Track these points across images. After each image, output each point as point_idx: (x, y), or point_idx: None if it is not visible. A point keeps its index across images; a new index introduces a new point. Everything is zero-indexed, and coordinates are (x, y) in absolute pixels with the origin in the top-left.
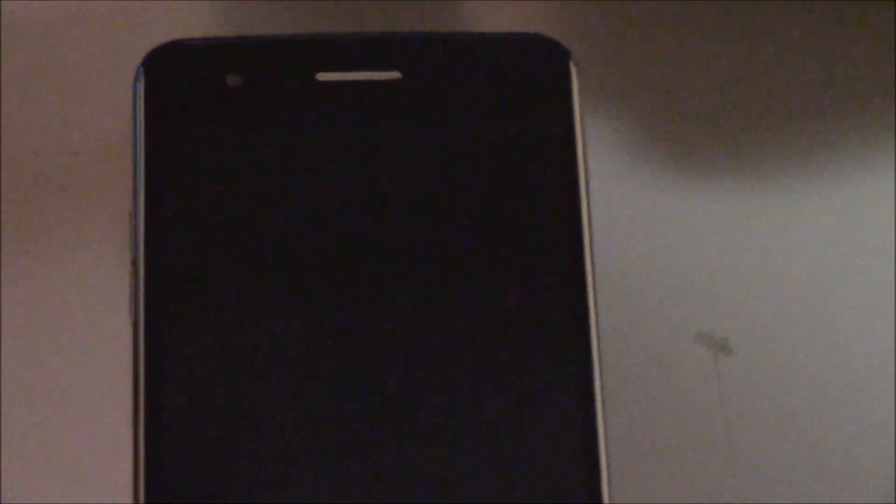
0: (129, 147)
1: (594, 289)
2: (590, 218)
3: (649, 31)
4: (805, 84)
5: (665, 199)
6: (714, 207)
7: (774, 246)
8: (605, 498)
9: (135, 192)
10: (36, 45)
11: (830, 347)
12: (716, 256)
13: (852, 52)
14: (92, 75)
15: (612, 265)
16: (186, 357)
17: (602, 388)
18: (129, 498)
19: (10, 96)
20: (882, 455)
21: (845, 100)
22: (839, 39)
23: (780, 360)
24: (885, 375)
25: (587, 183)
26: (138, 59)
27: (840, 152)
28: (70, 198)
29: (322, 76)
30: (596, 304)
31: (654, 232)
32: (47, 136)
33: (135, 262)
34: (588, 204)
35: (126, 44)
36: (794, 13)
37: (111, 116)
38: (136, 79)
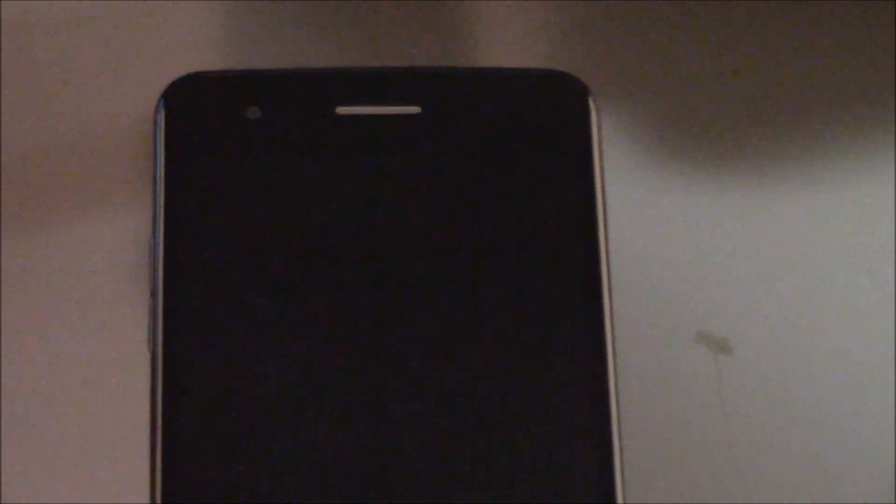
0: (140, 146)
1: (612, 322)
2: (608, 251)
3: (650, 33)
4: (805, 84)
5: (665, 199)
6: (714, 208)
7: (775, 246)
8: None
9: (154, 223)
10: (40, 46)
11: (830, 347)
12: (716, 256)
13: (852, 52)
14: (97, 75)
15: (612, 266)
16: (203, 385)
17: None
18: (128, 498)
19: (11, 97)
20: (882, 455)
21: (845, 100)
22: (839, 39)
23: (780, 360)
24: (885, 375)
25: (605, 217)
26: (147, 58)
27: (840, 152)
28: (76, 199)
29: (342, 110)
30: (613, 334)
31: (654, 232)
32: (51, 136)
33: (153, 293)
34: (606, 237)
35: (134, 44)
36: (795, 13)
37: (114, 117)
38: (157, 110)
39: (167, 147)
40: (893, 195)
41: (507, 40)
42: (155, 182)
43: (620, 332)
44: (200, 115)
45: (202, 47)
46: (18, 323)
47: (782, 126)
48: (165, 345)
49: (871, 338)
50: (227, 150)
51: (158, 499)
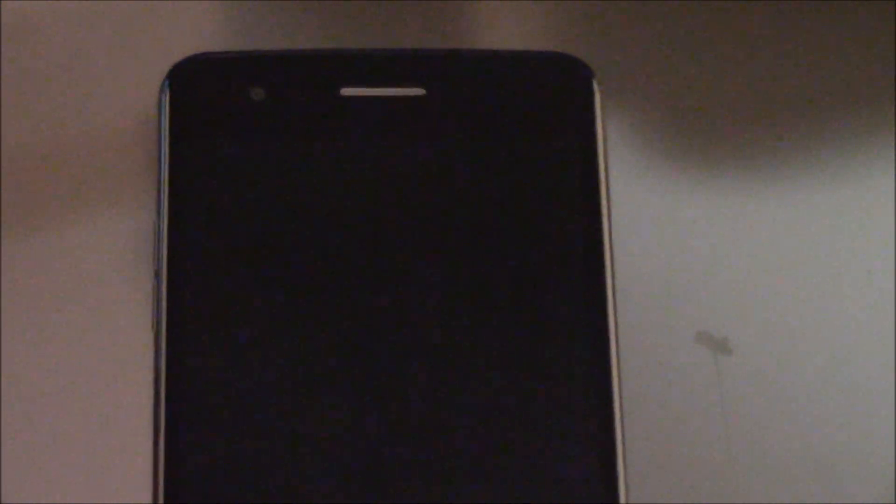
0: (141, 144)
1: (614, 302)
2: (611, 237)
3: (652, 32)
4: (805, 84)
5: (665, 199)
6: (714, 208)
7: (775, 246)
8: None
9: (158, 204)
10: (40, 45)
11: (830, 347)
12: (716, 256)
13: (852, 52)
14: (98, 74)
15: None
16: (207, 369)
17: (621, 395)
18: (127, 498)
19: (11, 96)
20: (882, 455)
21: (845, 100)
22: (839, 39)
23: (780, 360)
24: (885, 375)
25: (608, 200)
26: (149, 57)
27: (840, 152)
28: (78, 196)
29: (346, 91)
30: (616, 317)
31: (654, 232)
32: (53, 134)
33: (157, 273)
34: (609, 222)
35: (135, 43)
36: (795, 13)
37: (116, 115)
38: (161, 91)
39: (171, 127)
40: (893, 195)
41: (509, 37)
42: (160, 162)
43: (620, 331)
44: (205, 96)
45: (204, 45)
46: (19, 320)
47: (782, 126)
48: (169, 326)
49: (871, 338)
50: (232, 130)
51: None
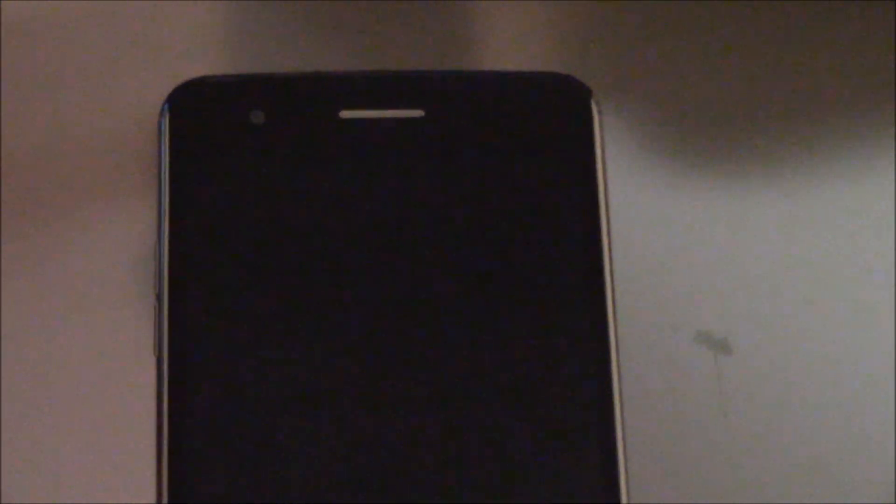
0: (144, 146)
1: (615, 317)
2: (611, 253)
3: (650, 33)
4: (805, 84)
5: (665, 199)
6: (714, 207)
7: (775, 245)
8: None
9: (159, 227)
10: (40, 46)
11: (830, 347)
12: (716, 256)
13: (852, 52)
14: (99, 76)
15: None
16: (210, 392)
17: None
18: (127, 498)
19: (12, 97)
20: (882, 455)
21: (845, 100)
22: (839, 39)
23: (780, 360)
24: (885, 375)
25: (608, 220)
26: (149, 59)
27: (840, 152)
28: (79, 200)
29: (345, 114)
30: (616, 330)
31: (654, 232)
32: (53, 137)
33: (159, 297)
34: (609, 240)
35: (136, 44)
36: (795, 13)
37: (117, 117)
38: (161, 115)
39: (172, 151)
40: (893, 195)
41: (507, 41)
42: (160, 186)
43: (620, 332)
44: (205, 120)
45: (204, 48)
46: (22, 324)
47: (782, 126)
48: (171, 349)
49: (871, 337)
50: (232, 154)
51: (165, 500)
